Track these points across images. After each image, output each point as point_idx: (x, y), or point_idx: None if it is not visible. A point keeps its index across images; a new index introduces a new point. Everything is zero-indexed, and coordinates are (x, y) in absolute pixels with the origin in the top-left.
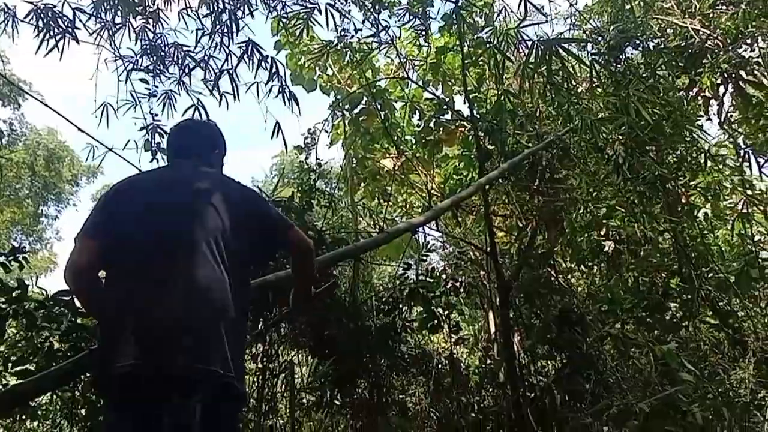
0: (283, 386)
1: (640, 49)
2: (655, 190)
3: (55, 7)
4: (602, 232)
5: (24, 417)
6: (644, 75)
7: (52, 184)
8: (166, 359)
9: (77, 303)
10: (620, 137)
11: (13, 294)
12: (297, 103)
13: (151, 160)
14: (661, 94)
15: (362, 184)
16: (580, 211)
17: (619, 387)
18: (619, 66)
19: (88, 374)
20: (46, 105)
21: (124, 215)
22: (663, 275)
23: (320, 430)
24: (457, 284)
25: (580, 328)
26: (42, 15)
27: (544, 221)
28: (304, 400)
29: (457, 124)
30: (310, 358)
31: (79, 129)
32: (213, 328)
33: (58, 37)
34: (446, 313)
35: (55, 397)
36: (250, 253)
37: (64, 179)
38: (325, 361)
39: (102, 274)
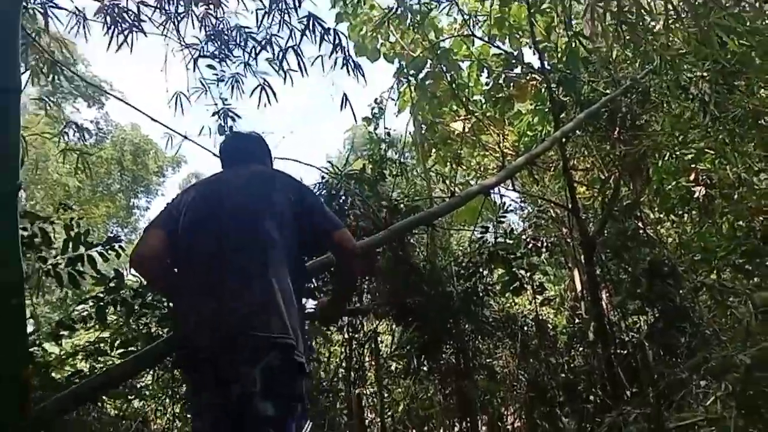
0: (369, 355)
1: None
2: (746, 127)
3: (119, 3)
4: (691, 178)
5: (132, 397)
6: (727, 3)
7: (140, 176)
8: (230, 333)
9: None
10: (704, 73)
11: (111, 284)
12: (362, 73)
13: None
14: (747, 23)
15: (433, 150)
16: (666, 158)
17: (716, 339)
18: None
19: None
20: (126, 102)
21: (190, 210)
22: (761, 218)
23: (408, 396)
24: (539, 244)
25: (672, 280)
26: (109, 12)
27: (627, 171)
28: (392, 368)
29: (527, 77)
30: (394, 326)
31: (153, 120)
32: (272, 303)
33: (126, 32)
34: (529, 274)
35: (158, 377)
36: (300, 248)
37: (150, 171)
38: (410, 329)
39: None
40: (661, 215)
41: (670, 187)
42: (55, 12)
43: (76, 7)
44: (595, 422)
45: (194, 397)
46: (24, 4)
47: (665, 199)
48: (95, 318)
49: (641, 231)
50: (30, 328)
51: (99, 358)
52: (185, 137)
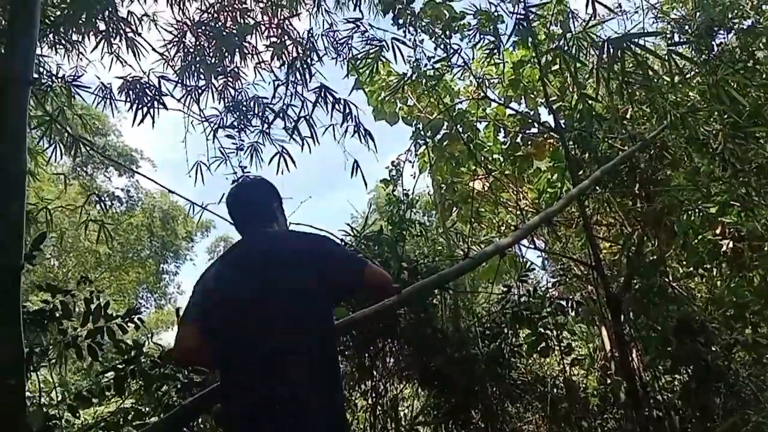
0: (392, 422)
1: (733, 32)
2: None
3: (141, 79)
4: (717, 231)
5: None
6: (740, 58)
7: (170, 242)
8: (278, 421)
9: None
10: (720, 127)
11: (130, 354)
12: (372, 140)
13: None
14: (764, 76)
15: (453, 209)
16: (689, 212)
17: (755, 399)
18: (712, 53)
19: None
20: (145, 176)
21: (215, 296)
22: None
23: None
24: (564, 302)
25: (704, 338)
26: (131, 88)
27: (650, 226)
28: None
29: (545, 136)
30: (419, 390)
31: (171, 192)
32: (317, 384)
33: (148, 107)
34: (556, 333)
35: None
36: (332, 298)
37: (179, 237)
38: (435, 393)
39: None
40: (690, 269)
41: (696, 241)
42: (81, 90)
43: (102, 83)
44: None
45: None
46: (49, 83)
47: (692, 253)
48: (114, 389)
49: (668, 287)
50: (58, 397)
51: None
52: (204, 208)
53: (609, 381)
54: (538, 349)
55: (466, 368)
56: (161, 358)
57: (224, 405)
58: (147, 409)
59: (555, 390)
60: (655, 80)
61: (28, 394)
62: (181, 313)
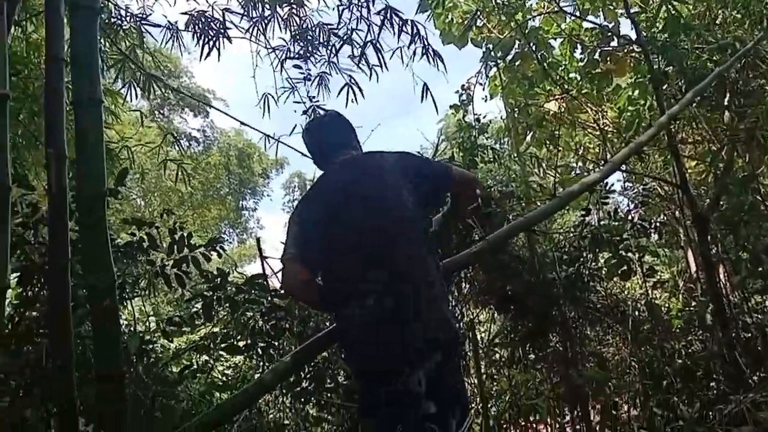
0: (470, 345)
1: None
2: None
3: (206, 12)
4: None
5: None
6: None
7: (247, 179)
8: (400, 338)
9: (274, 285)
10: None
11: (216, 282)
12: (442, 61)
13: None
14: None
15: (527, 133)
16: None
17: None
18: None
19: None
20: (221, 111)
21: (320, 223)
22: None
23: (515, 385)
24: (647, 224)
25: None
26: (197, 22)
27: (740, 142)
28: (496, 356)
29: (625, 50)
30: (495, 314)
31: (244, 124)
32: (431, 300)
33: (213, 40)
34: (638, 256)
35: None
36: (426, 206)
37: (255, 174)
38: (512, 317)
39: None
40: None
41: None
42: (151, 29)
43: (169, 21)
44: (717, 409)
45: (366, 398)
46: (118, 21)
47: None
48: (203, 315)
49: (760, 204)
50: (152, 326)
51: (211, 353)
52: (277, 140)
53: (694, 303)
54: (619, 272)
55: (543, 292)
56: (245, 284)
57: (344, 324)
58: (234, 332)
59: (637, 313)
60: None
61: (124, 323)
62: (284, 247)
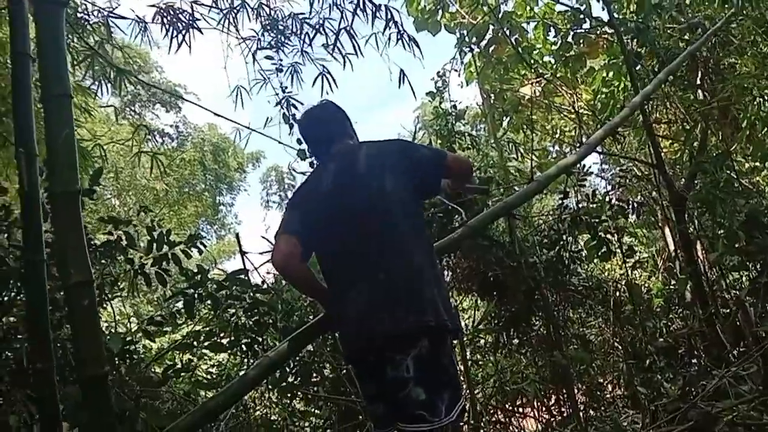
0: None
1: None
2: None
3: (174, 4)
4: None
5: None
6: None
7: (223, 174)
8: (386, 325)
9: (255, 280)
10: None
11: (196, 278)
12: (418, 46)
13: (290, 133)
14: None
15: (504, 118)
16: (756, 101)
17: None
18: None
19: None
20: (195, 104)
21: (316, 208)
22: None
23: (500, 370)
24: (625, 205)
25: None
26: (165, 15)
27: (713, 120)
28: (480, 343)
29: (598, 32)
30: (479, 301)
31: (217, 115)
32: (420, 286)
33: (183, 33)
34: (616, 237)
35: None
36: (421, 194)
37: (231, 168)
38: (495, 303)
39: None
40: (756, 164)
41: (762, 133)
42: (120, 23)
43: (137, 15)
44: (700, 385)
45: (361, 385)
46: (85, 17)
47: (758, 146)
48: (185, 313)
49: (735, 181)
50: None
51: (195, 351)
52: (253, 130)
53: (674, 282)
54: (599, 254)
55: (524, 277)
56: (226, 280)
57: (337, 310)
58: (217, 329)
59: (618, 293)
60: None
61: (105, 324)
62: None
